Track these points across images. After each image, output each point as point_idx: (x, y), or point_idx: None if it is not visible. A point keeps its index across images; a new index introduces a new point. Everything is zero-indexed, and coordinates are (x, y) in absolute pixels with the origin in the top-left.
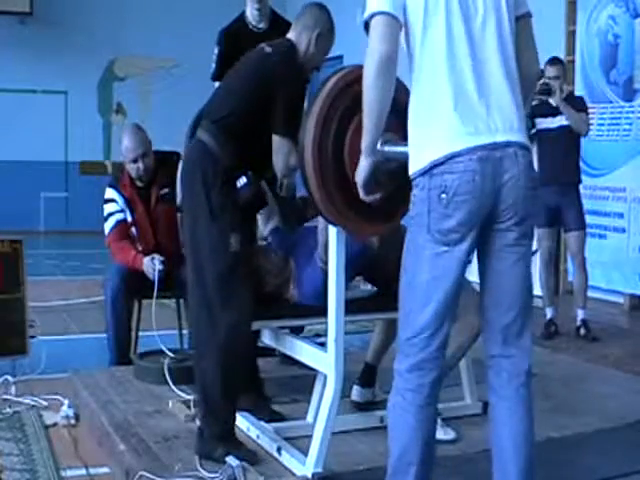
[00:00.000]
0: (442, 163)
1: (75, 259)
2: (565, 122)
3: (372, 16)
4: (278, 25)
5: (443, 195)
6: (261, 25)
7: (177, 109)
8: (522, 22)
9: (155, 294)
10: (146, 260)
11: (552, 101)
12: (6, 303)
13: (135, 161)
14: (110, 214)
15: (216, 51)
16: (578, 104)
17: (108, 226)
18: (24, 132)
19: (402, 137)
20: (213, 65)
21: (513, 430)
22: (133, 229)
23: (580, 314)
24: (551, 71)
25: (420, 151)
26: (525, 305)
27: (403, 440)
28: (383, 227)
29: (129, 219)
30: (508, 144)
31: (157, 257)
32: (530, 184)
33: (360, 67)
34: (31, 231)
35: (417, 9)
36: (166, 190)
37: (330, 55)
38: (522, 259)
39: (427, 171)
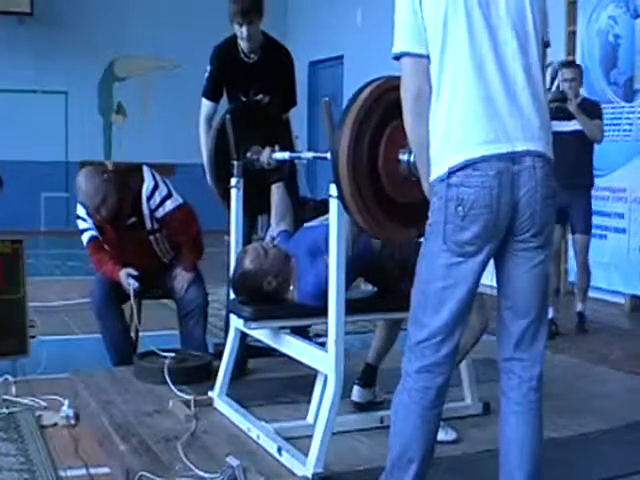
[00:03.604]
0: (460, 169)
1: (75, 259)
2: (579, 126)
3: (399, 56)
4: (270, 54)
5: (460, 208)
6: (252, 55)
7: (177, 109)
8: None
9: (134, 308)
10: (122, 274)
11: (569, 107)
12: (6, 303)
13: (97, 209)
14: (84, 230)
15: (208, 69)
16: (593, 110)
17: (84, 239)
18: (24, 132)
19: None
20: (205, 82)
21: (520, 433)
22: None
23: (578, 307)
24: (567, 73)
25: (439, 159)
26: (540, 312)
27: (405, 438)
28: (416, 231)
29: (100, 238)
30: (528, 153)
31: (131, 272)
32: (549, 194)
33: (393, 78)
34: (31, 231)
35: (436, 23)
36: (133, 219)
37: (330, 55)
38: (539, 267)
39: (445, 179)
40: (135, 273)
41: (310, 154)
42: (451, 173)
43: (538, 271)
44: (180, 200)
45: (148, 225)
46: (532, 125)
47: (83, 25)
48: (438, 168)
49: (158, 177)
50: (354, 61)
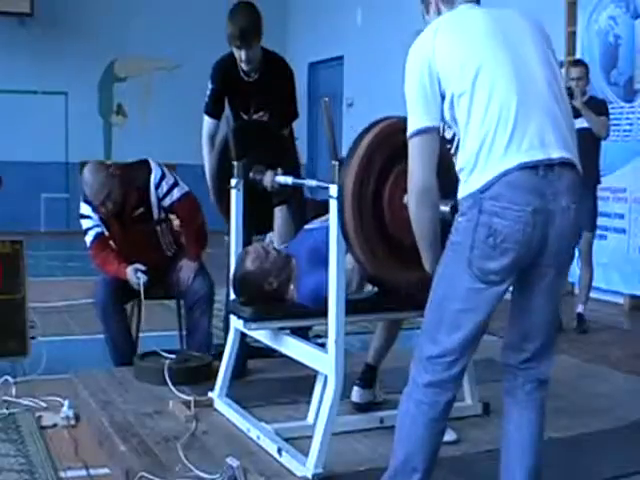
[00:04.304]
0: (493, 186)
1: (76, 260)
2: (586, 124)
3: (411, 136)
4: (270, 70)
5: (490, 238)
6: (251, 74)
7: (178, 110)
8: None
9: (142, 302)
10: (129, 270)
11: (575, 103)
12: (6, 304)
13: (103, 204)
14: (88, 228)
15: (210, 86)
16: (600, 108)
17: (88, 240)
18: (24, 133)
19: (442, 196)
20: (206, 100)
21: (523, 431)
22: (112, 242)
23: (579, 308)
24: (574, 72)
25: (470, 173)
26: (552, 330)
27: (410, 447)
28: (421, 274)
29: (107, 233)
30: (562, 161)
31: (139, 267)
32: (578, 227)
33: (400, 120)
34: (32, 232)
35: (467, 67)
36: (141, 209)
37: (330, 55)
38: (557, 291)
39: (477, 196)
40: (143, 268)
41: (314, 182)
42: (484, 191)
43: (555, 295)
44: (186, 188)
45: (155, 214)
46: (564, 135)
47: (83, 26)
48: (470, 184)
49: (164, 168)
50: (354, 62)
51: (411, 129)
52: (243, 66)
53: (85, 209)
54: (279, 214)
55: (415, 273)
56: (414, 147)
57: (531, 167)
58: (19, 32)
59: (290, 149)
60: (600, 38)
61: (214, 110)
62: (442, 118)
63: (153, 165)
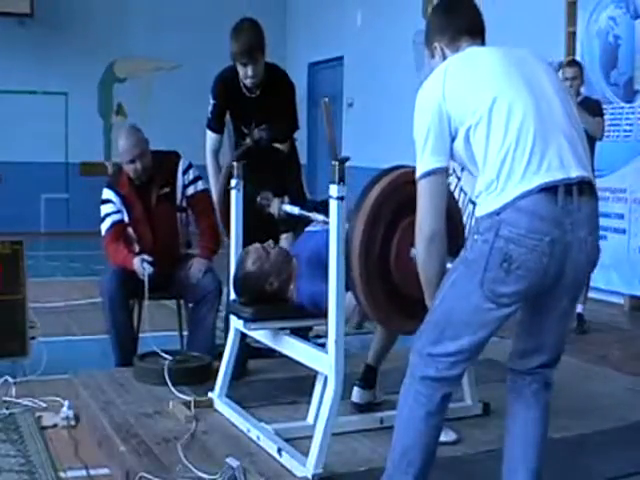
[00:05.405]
0: (512, 206)
1: (76, 260)
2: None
3: (420, 178)
4: (271, 85)
5: (505, 264)
6: (253, 90)
7: (177, 110)
8: None
9: (146, 294)
10: (135, 260)
11: None
12: (6, 304)
13: (133, 161)
14: (107, 215)
15: (211, 102)
16: (594, 108)
17: (104, 227)
18: (24, 133)
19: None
20: (209, 115)
21: (527, 430)
22: (131, 230)
23: (578, 308)
24: (569, 72)
25: (488, 195)
26: (562, 345)
27: (407, 441)
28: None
29: (126, 219)
30: (580, 180)
31: (145, 257)
32: (590, 263)
33: (407, 171)
34: (32, 233)
35: (482, 100)
36: (166, 190)
37: (330, 56)
38: (567, 317)
39: (493, 218)
40: (150, 259)
41: (320, 217)
42: (500, 212)
43: (567, 319)
44: (207, 185)
45: (179, 199)
46: (581, 156)
47: (83, 26)
48: (488, 204)
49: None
50: (354, 62)
51: (420, 171)
52: (247, 82)
53: (107, 194)
54: (285, 242)
55: (415, 324)
56: (423, 189)
57: (550, 189)
58: (19, 32)
59: (293, 167)
60: (600, 38)
61: (216, 125)
62: (452, 159)
63: (182, 155)
